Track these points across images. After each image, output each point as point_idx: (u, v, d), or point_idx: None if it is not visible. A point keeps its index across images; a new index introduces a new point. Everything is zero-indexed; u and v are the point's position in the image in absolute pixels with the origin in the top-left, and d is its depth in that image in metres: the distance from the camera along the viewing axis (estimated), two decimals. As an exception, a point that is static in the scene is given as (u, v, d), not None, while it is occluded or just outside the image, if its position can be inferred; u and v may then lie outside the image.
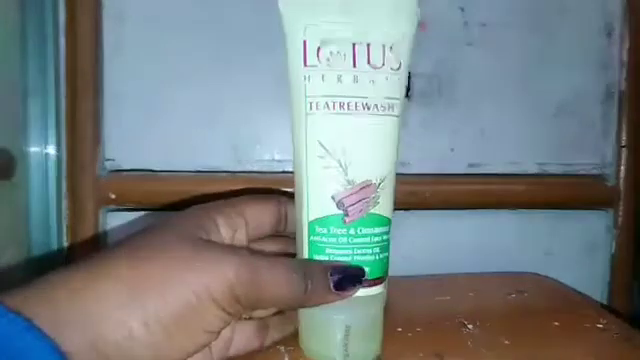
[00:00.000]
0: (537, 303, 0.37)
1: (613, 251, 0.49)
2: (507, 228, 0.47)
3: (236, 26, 0.42)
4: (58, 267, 0.22)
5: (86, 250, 0.41)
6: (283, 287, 0.23)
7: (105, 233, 0.42)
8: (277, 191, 0.40)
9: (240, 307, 0.22)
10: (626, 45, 0.48)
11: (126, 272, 0.21)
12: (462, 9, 0.45)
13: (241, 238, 0.26)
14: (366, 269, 0.25)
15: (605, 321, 0.33)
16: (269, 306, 0.25)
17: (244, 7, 0.42)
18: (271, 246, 0.29)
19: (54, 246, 0.42)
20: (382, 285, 0.26)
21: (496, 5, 0.46)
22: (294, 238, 0.27)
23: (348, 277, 0.25)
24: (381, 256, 0.26)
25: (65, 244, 0.42)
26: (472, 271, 0.44)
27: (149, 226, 0.24)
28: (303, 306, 0.25)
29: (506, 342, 0.30)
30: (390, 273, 0.27)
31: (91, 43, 0.41)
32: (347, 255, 0.25)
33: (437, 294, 0.38)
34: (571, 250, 0.49)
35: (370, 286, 0.25)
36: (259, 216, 0.27)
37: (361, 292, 0.25)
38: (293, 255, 0.27)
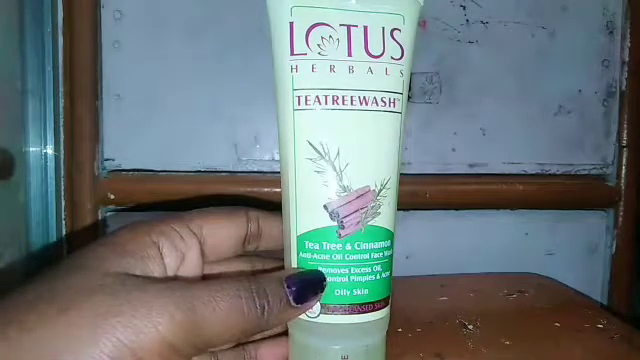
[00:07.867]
0: (537, 303, 0.37)
1: (613, 251, 0.49)
2: (507, 228, 0.47)
3: (236, 25, 0.42)
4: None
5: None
6: (232, 319, 0.19)
7: (104, 233, 0.42)
8: (276, 192, 0.40)
9: (183, 358, 0.19)
10: (627, 44, 0.48)
11: (40, 330, 0.17)
12: (463, 7, 0.45)
13: (193, 262, 0.22)
14: (365, 291, 0.22)
15: (605, 321, 0.33)
16: (224, 344, 0.21)
17: (244, 6, 0.42)
18: (242, 266, 0.25)
19: (53, 246, 0.41)
20: (385, 309, 0.23)
21: (498, 3, 0.45)
22: (275, 257, 0.24)
23: (308, 286, 0.21)
24: (383, 275, 0.23)
25: (64, 244, 0.42)
26: (472, 271, 0.44)
27: (73, 256, 0.21)
28: (262, 330, 0.21)
29: (506, 342, 0.30)
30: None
31: (90, 42, 0.40)
32: (343, 274, 0.22)
33: (437, 294, 0.38)
34: (571, 250, 0.49)
35: (370, 310, 0.22)
36: (220, 234, 0.23)
37: (361, 318, 0.22)
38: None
